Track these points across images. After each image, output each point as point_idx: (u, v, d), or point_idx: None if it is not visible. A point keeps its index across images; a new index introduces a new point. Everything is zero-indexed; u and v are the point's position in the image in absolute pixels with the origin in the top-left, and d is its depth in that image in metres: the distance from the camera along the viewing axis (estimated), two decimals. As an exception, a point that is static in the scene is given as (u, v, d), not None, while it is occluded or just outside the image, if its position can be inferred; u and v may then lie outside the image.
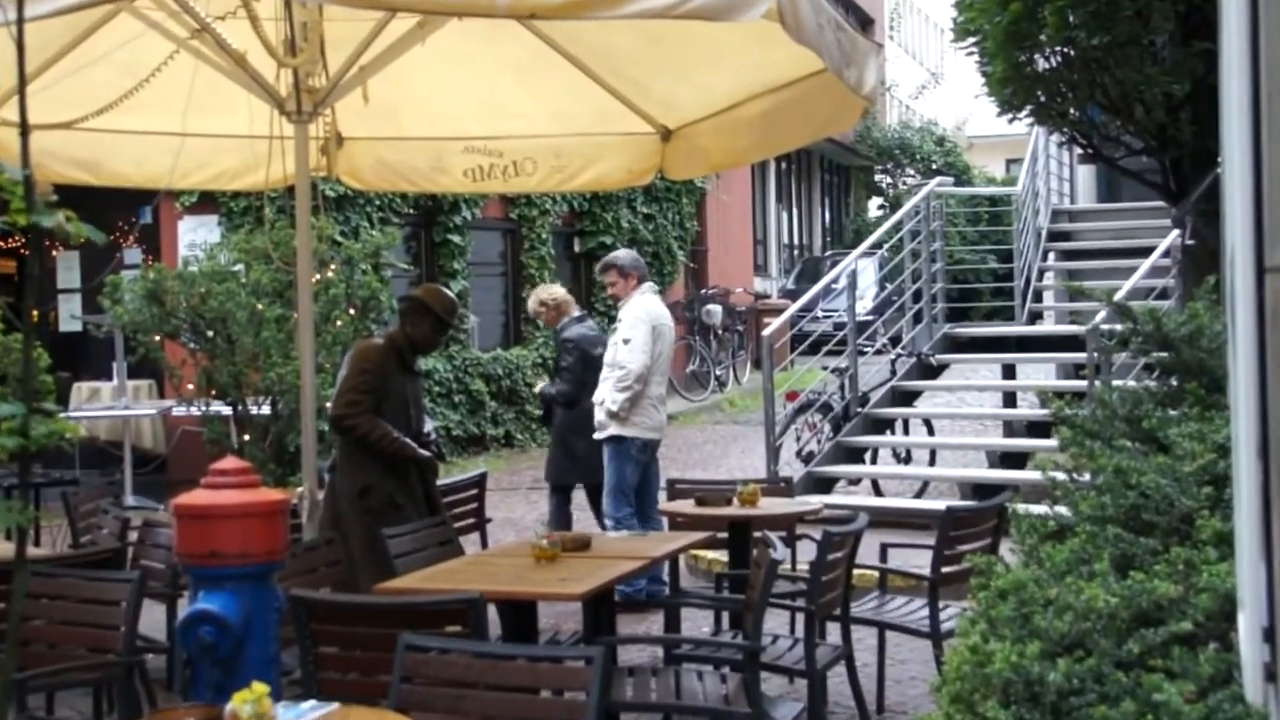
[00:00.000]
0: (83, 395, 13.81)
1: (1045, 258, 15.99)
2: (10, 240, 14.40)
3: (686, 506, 7.88)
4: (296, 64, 6.35)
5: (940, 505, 8.63)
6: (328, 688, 4.88)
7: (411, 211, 16.28)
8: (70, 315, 14.99)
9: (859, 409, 12.60)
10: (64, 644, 5.65)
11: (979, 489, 11.36)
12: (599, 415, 9.06)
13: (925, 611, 6.73)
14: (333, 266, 12.00)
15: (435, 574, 5.94)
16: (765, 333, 12.20)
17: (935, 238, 14.07)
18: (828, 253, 31.70)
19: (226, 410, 11.93)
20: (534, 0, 4.52)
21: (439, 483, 7.54)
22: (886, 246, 16.37)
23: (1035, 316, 15.76)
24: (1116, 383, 5.46)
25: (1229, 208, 2.70)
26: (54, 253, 14.71)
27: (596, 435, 9.15)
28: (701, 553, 9.78)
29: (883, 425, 12.95)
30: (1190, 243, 10.38)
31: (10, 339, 9.56)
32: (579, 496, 9.70)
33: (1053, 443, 4.76)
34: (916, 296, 13.85)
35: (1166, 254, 11.74)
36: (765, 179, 30.18)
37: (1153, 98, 9.28)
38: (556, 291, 9.84)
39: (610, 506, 9.03)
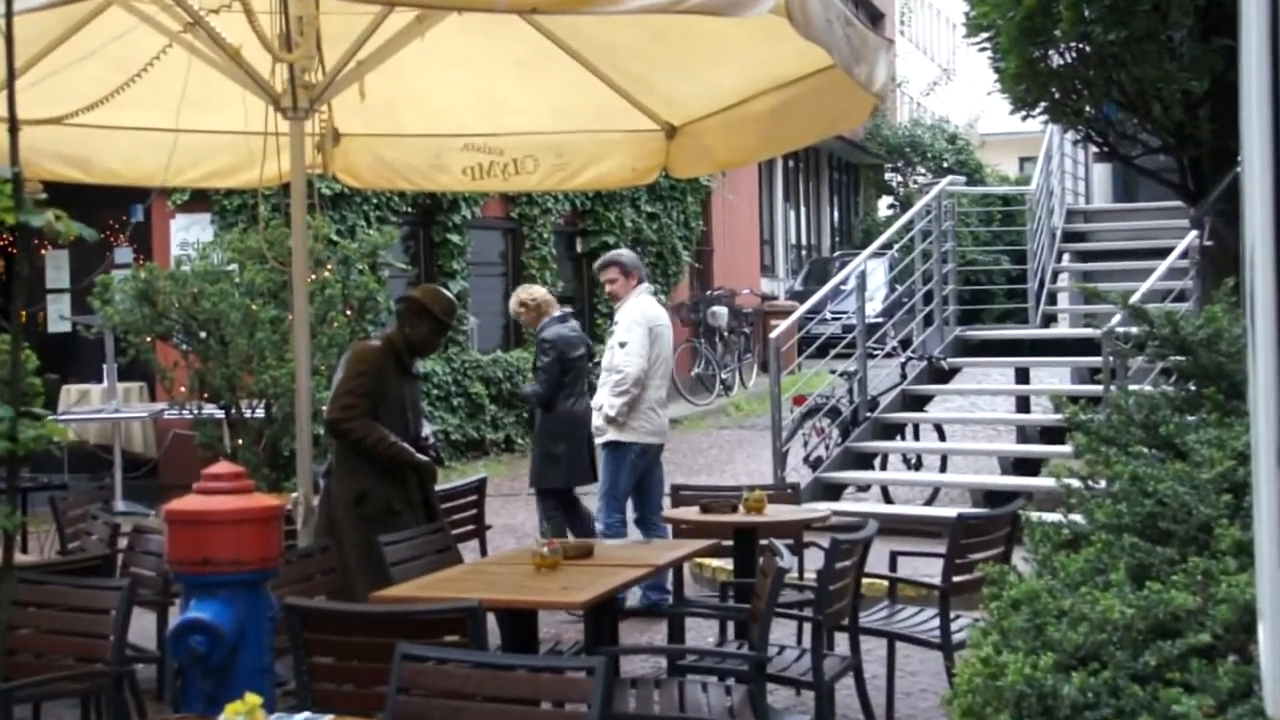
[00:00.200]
0: (72, 398, 13.82)
1: (1060, 259, 15.99)
2: (-2, 239, 14.42)
3: (691, 513, 7.87)
4: (292, 59, 6.35)
5: (951, 512, 8.62)
6: (322, 699, 4.88)
7: (410, 210, 16.28)
8: (59, 316, 15.01)
9: (868, 413, 12.60)
10: (51, 653, 5.65)
11: (991, 496, 11.35)
12: (597, 420, 9.08)
13: (936, 622, 6.73)
14: (329, 266, 12.00)
15: (433, 582, 5.94)
16: (772, 335, 12.20)
17: (947, 238, 14.07)
18: (836, 253, 31.71)
19: (219, 413, 11.93)
20: (536, -6, 4.52)
21: (437, 488, 7.54)
22: (897, 247, 16.38)
23: (1049, 319, 15.75)
24: (1133, 387, 5.46)
25: (1249, 208, 2.70)
26: (43, 252, 14.72)
27: (596, 440, 9.17)
28: (706, 561, 9.78)
29: (892, 430, 12.95)
30: (1209, 244, 10.37)
31: (-2, 340, 9.57)
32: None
33: (1067, 449, 4.76)
34: (927, 298, 13.85)
35: (1184, 255, 11.73)
36: (772, 177, 30.18)
37: (1171, 95, 9.27)
38: (536, 292, 9.87)
39: (601, 512, 9.07)
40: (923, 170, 34.14)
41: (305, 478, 6.73)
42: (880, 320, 16.31)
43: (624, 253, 9.62)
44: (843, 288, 15.30)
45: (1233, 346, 4.79)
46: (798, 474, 11.95)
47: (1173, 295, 11.51)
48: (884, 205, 37.23)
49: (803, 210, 33.35)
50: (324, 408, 7.39)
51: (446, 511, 7.74)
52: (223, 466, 5.01)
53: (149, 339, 11.88)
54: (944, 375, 13.54)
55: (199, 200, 13.98)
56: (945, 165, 32.24)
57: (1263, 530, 2.73)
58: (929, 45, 45.82)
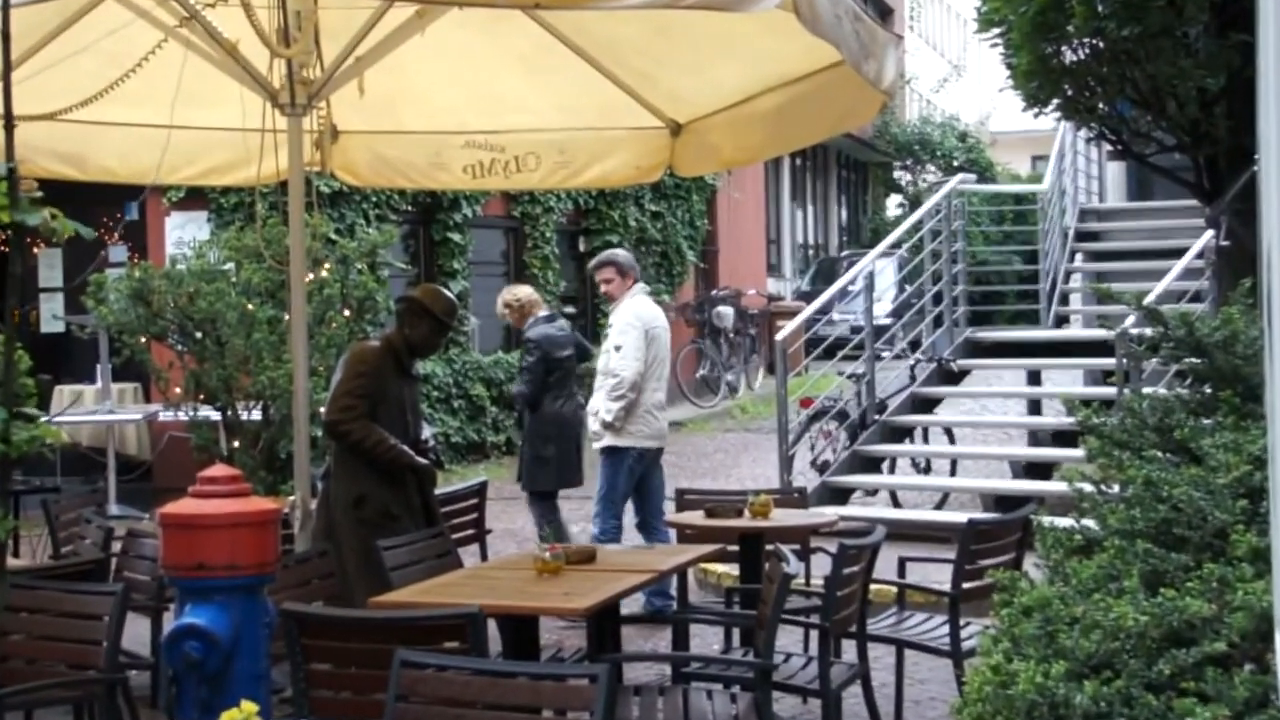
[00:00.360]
0: (65, 399, 13.82)
1: (1072, 259, 15.98)
2: (-10, 236, 14.41)
3: (695, 518, 7.88)
4: (290, 54, 6.35)
5: (962, 518, 8.62)
6: (320, 706, 4.89)
7: (409, 208, 16.29)
8: (52, 315, 15.01)
9: (876, 416, 12.59)
10: (43, 659, 5.65)
11: (1002, 501, 11.35)
12: (593, 425, 9.11)
13: (945, 629, 6.73)
14: (327, 266, 12.00)
15: (433, 587, 5.94)
16: (779, 336, 12.20)
17: (957, 238, 14.06)
18: (844, 253, 31.68)
19: (215, 415, 11.93)
20: (538, -12, 4.52)
21: (437, 492, 7.55)
22: (906, 246, 16.37)
23: (1061, 320, 15.74)
24: (1147, 390, 5.46)
25: (1266, 207, 2.70)
26: (35, 250, 14.73)
27: (594, 445, 9.19)
28: (711, 566, 9.79)
29: (901, 434, 12.94)
30: (1225, 244, 10.37)
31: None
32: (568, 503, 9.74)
33: (1080, 453, 4.75)
34: (937, 299, 13.83)
35: (1200, 255, 11.73)
36: (779, 176, 30.18)
37: (1186, 92, 9.26)
38: (520, 292, 9.90)
39: (597, 518, 9.09)
40: (932, 168, 34.14)
41: (303, 481, 6.73)
42: (889, 321, 16.30)
43: (620, 252, 9.62)
44: (850, 288, 15.25)
45: (1249, 348, 4.78)
46: (804, 478, 11.95)
47: (1188, 296, 11.50)
48: (893, 204, 37.24)
49: (810, 209, 33.35)
50: (322, 409, 7.40)
51: (446, 515, 7.74)
52: (218, 469, 5.01)
53: (144, 339, 11.88)
54: (954, 377, 13.53)
55: (195, 198, 13.98)
56: (955, 163, 32.25)
57: (1279, 536, 2.73)
58: (939, 41, 45.81)
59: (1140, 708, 3.09)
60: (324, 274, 11.84)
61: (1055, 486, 10.80)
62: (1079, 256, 16.19)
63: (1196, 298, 11.58)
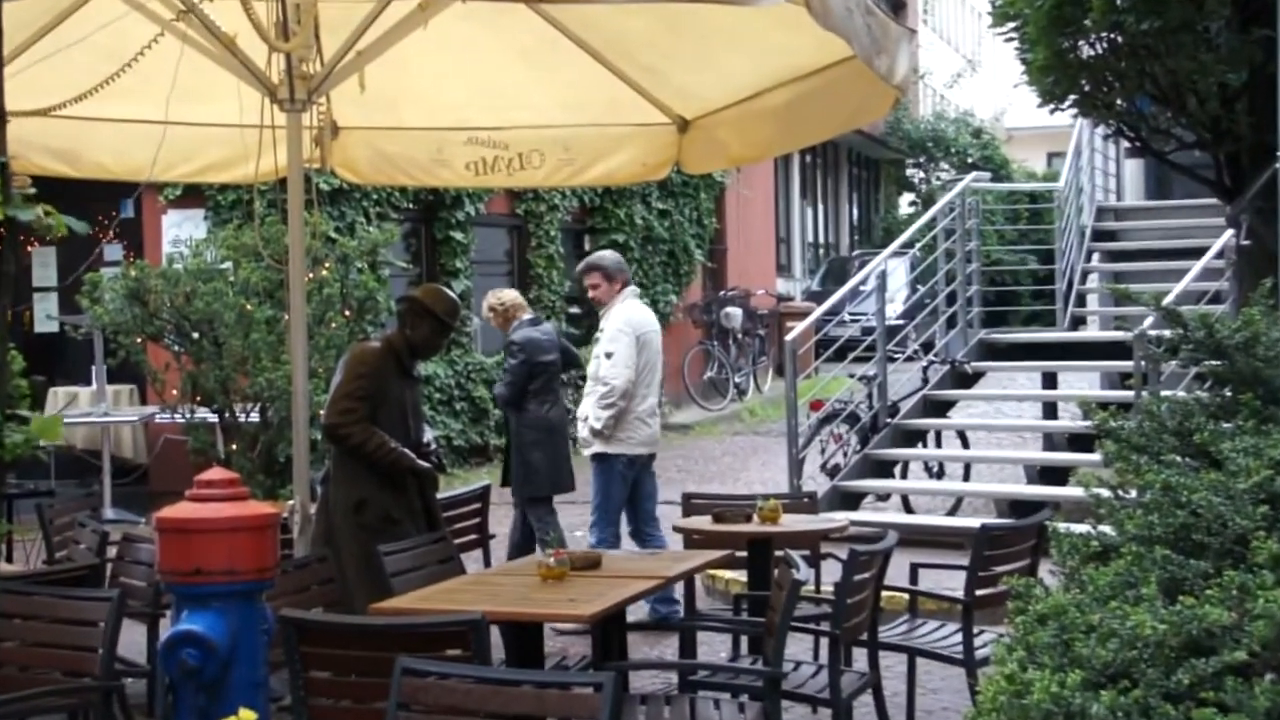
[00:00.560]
0: (59, 401, 13.84)
1: (1089, 259, 15.97)
2: (-17, 235, 14.42)
3: (703, 523, 7.88)
4: (289, 48, 6.36)
5: (975, 523, 8.61)
6: (319, 715, 4.89)
7: (411, 206, 16.30)
8: (46, 315, 15.03)
9: (888, 420, 12.59)
10: (37, 667, 5.66)
11: (1017, 506, 11.34)
12: (582, 432, 9.15)
13: (958, 637, 6.73)
14: (327, 265, 12.02)
15: (434, 593, 5.95)
16: (788, 337, 12.20)
17: (971, 237, 14.05)
18: (855, 252, 31.69)
19: (213, 418, 11.96)
20: (543, -19, 4.53)
21: (439, 496, 7.56)
22: (919, 246, 16.37)
23: (1078, 322, 15.73)
24: (1165, 393, 5.45)
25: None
26: (29, 248, 14.73)
27: (584, 452, 9.22)
28: (719, 572, 9.79)
29: (914, 437, 12.94)
30: (1246, 243, 10.35)
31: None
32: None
33: (1096, 457, 4.76)
34: (950, 299, 13.83)
35: (1220, 255, 11.70)
36: (789, 173, 30.18)
37: (1207, 87, 9.27)
38: (505, 295, 9.94)
39: (594, 527, 9.13)
40: (946, 166, 34.09)
41: (302, 485, 6.74)
42: (901, 322, 16.32)
43: (606, 255, 9.61)
44: (862, 288, 15.28)
45: (1270, 350, 4.78)
46: (814, 482, 11.95)
47: (1208, 297, 11.49)
48: (905, 202, 37.21)
49: (820, 207, 33.34)
50: (321, 412, 7.41)
51: (448, 520, 7.75)
52: (216, 473, 5.02)
53: (140, 340, 11.90)
54: (968, 380, 13.53)
55: (192, 195, 14.00)
56: (970, 161, 32.20)
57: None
58: (953, 35, 45.80)
59: (1158, 718, 3.09)
60: (324, 273, 11.86)
61: (1071, 491, 10.80)
62: (1096, 256, 16.17)
63: (1216, 299, 11.56)
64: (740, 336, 22.31)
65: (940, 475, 13.12)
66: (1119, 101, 10.08)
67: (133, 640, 6.74)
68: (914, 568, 7.62)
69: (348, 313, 12.02)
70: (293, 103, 6.52)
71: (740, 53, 6.82)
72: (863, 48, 5.25)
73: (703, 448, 17.88)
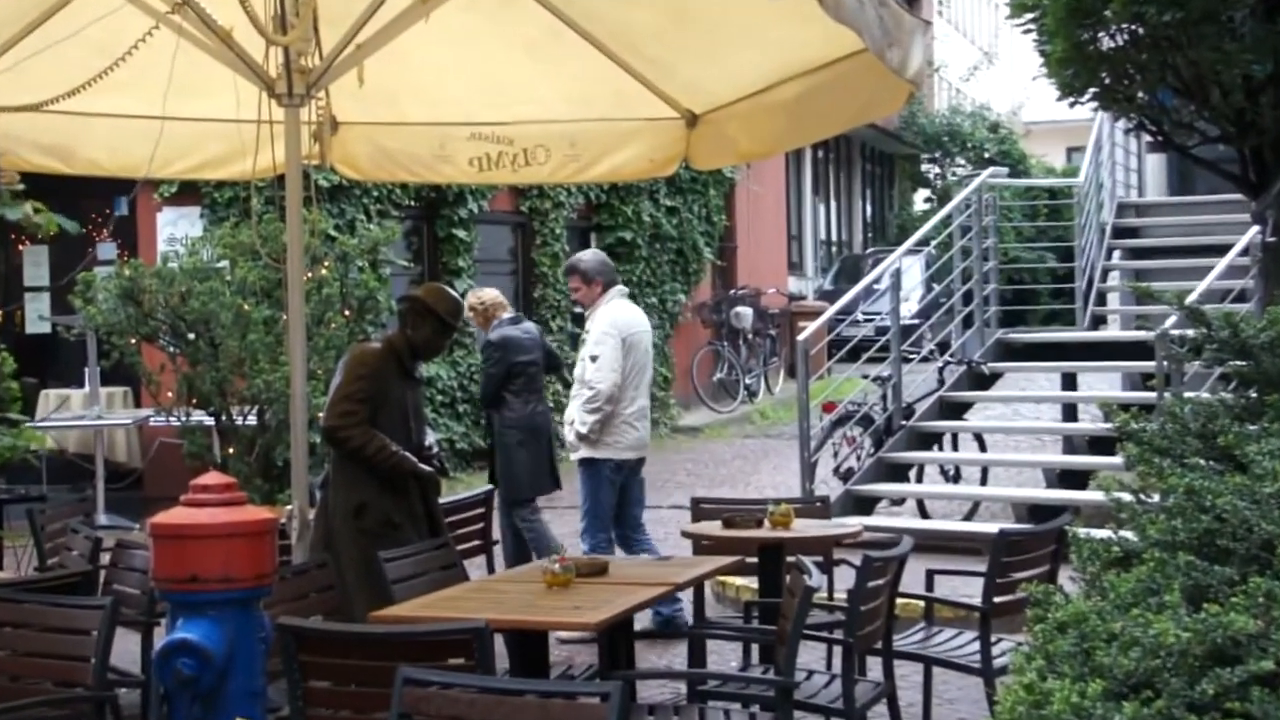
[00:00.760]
0: (51, 403, 13.86)
1: (1110, 256, 15.96)
2: (-27, 233, 14.47)
3: (713, 528, 7.87)
4: (287, 42, 6.36)
5: (993, 528, 8.61)
6: (318, 726, 4.89)
7: (412, 204, 16.31)
8: (38, 315, 15.05)
9: (903, 422, 12.59)
10: (28, 677, 5.66)
11: (1036, 511, 11.34)
12: (569, 436, 9.20)
13: (976, 646, 6.72)
14: (326, 264, 12.03)
15: (437, 601, 5.95)
16: (800, 338, 12.19)
17: (988, 234, 14.05)
18: (869, 250, 31.70)
19: (209, 420, 11.96)
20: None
21: (441, 500, 7.56)
22: (934, 243, 16.35)
23: (1098, 321, 15.72)
24: (1188, 394, 5.44)
25: (1314, 201, 2.69)
26: (20, 247, 14.77)
27: (571, 457, 9.26)
28: (729, 579, 9.79)
29: (929, 440, 12.93)
30: (1271, 240, 10.33)
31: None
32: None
33: (1117, 460, 4.75)
34: (967, 298, 13.83)
35: (1245, 252, 11.70)
36: (800, 169, 30.18)
37: (1231, 79, 9.24)
38: (485, 294, 9.99)
39: (585, 533, 9.18)
40: (962, 161, 34.08)
41: (300, 489, 6.75)
42: (916, 322, 16.31)
43: (585, 256, 9.63)
44: (876, 287, 15.28)
45: (1296, 350, 4.77)
46: (827, 486, 11.95)
47: (1232, 295, 11.49)
48: (920, 199, 37.20)
49: (833, 204, 33.34)
50: (320, 414, 7.41)
51: (451, 525, 7.75)
52: (212, 477, 5.02)
53: (134, 341, 11.91)
54: (985, 381, 13.52)
55: (187, 193, 14.01)
56: (986, 156, 32.19)
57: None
58: (969, 27, 45.79)
59: (1182, 729, 3.08)
60: (323, 272, 11.88)
61: (1091, 496, 10.79)
62: (1117, 254, 16.16)
63: (1241, 297, 11.56)
64: (751, 337, 22.31)
65: (957, 479, 13.11)
66: (1140, 94, 10.05)
67: (126, 649, 6.74)
68: (930, 574, 7.61)
69: (347, 313, 12.03)
70: (291, 97, 6.53)
71: (749, 45, 6.81)
72: (874, 40, 5.24)
73: (712, 451, 17.88)
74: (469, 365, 16.61)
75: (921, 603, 7.53)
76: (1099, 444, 12.21)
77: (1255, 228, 11.22)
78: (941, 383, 13.20)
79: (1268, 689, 3.15)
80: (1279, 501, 3.89)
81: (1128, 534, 4.18)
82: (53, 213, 8.68)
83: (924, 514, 12.42)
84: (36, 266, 15.11)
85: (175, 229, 14.10)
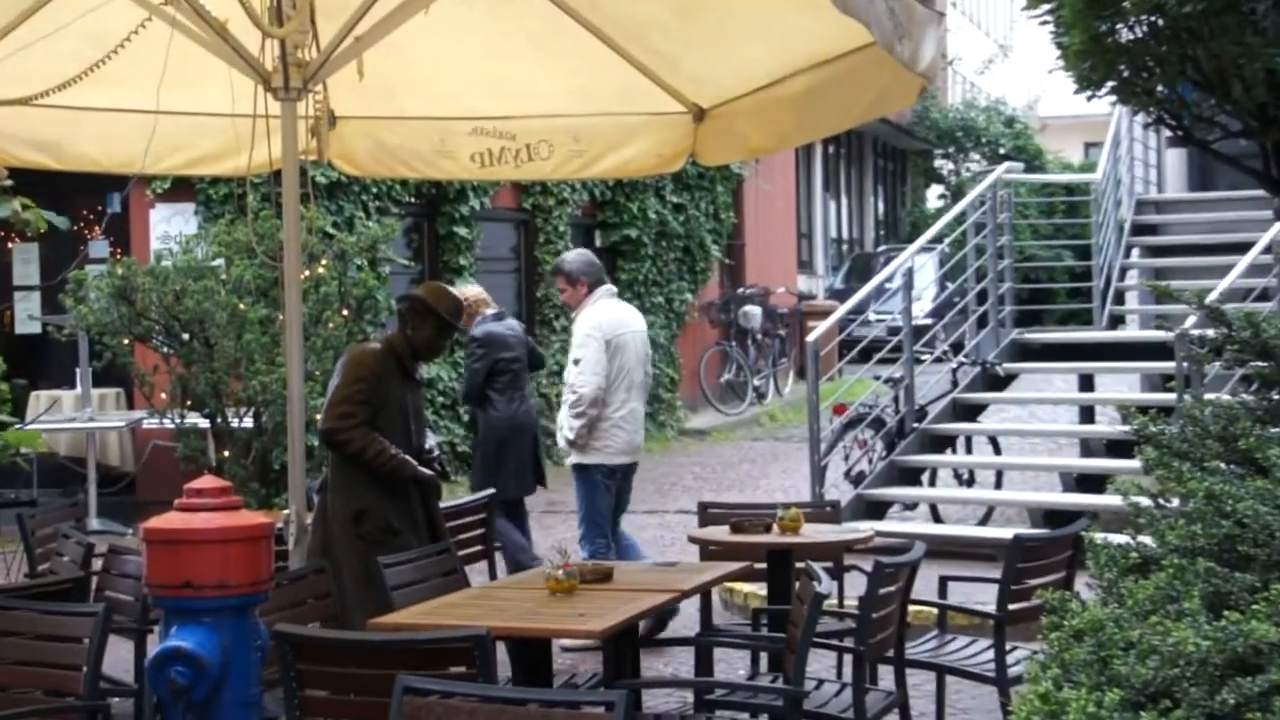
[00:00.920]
0: (41, 405, 13.85)
1: (1128, 254, 15.95)
2: (-38, 231, 14.48)
3: (720, 533, 7.87)
4: (283, 34, 6.36)
5: (1008, 533, 8.60)
6: (315, 736, 4.89)
7: (412, 200, 16.31)
8: (28, 315, 15.04)
9: (915, 424, 12.58)
10: (17, 686, 5.66)
11: (1051, 516, 11.33)
12: (560, 442, 9.22)
13: (990, 654, 6.72)
14: (324, 262, 12.03)
15: (437, 608, 5.95)
16: (810, 338, 12.19)
17: (1003, 231, 14.04)
18: (881, 248, 31.70)
19: (204, 423, 11.96)
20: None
21: (442, 505, 7.56)
22: (947, 241, 16.36)
23: (1116, 321, 15.72)
24: (1209, 396, 5.44)
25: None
26: (9, 245, 14.78)
27: (564, 462, 9.29)
28: (737, 585, 9.79)
29: (942, 443, 12.93)
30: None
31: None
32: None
33: (1136, 464, 4.74)
34: (981, 298, 13.82)
35: (1267, 250, 11.69)
36: (811, 165, 30.18)
37: (1253, 72, 9.25)
38: (468, 291, 10.05)
39: (584, 539, 9.20)
40: (976, 157, 34.10)
41: (297, 493, 6.75)
42: (929, 322, 16.28)
43: (569, 257, 9.64)
44: (888, 286, 15.27)
45: (1320, 351, 4.77)
46: (838, 490, 11.93)
47: (1254, 295, 11.47)
48: (934, 195, 37.20)
49: (844, 201, 33.34)
50: (318, 416, 7.41)
51: (452, 530, 7.75)
52: (207, 481, 5.03)
53: (126, 341, 11.91)
54: (999, 382, 13.51)
55: (181, 189, 14.02)
56: (1002, 151, 32.21)
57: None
58: (984, 19, 45.77)
59: (1201, 740, 3.08)
60: (320, 271, 11.87)
61: (1109, 500, 10.78)
62: (1135, 252, 16.15)
63: (1264, 296, 11.55)
64: (759, 337, 22.30)
65: (971, 483, 13.11)
66: (1160, 87, 10.07)
67: (119, 658, 6.76)
68: (943, 581, 7.61)
69: (346, 312, 12.02)
70: (287, 91, 6.53)
71: (757, 38, 6.81)
72: (884, 33, 5.24)
73: (720, 454, 17.88)
74: (470, 366, 16.62)
75: (934, 610, 7.53)
76: (1117, 447, 12.19)
77: (1277, 224, 11.23)
78: (955, 384, 13.19)
79: (1290, 699, 3.15)
80: (1301, 506, 3.89)
81: (1146, 540, 4.18)
82: (42, 209, 8.71)
83: (937, 519, 12.41)
84: (26, 265, 15.11)
85: (169, 226, 14.09)
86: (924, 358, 13.56)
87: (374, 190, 15.26)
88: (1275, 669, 3.21)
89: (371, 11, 6.33)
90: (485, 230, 17.45)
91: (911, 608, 6.61)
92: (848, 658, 6.58)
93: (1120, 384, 15.17)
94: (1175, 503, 4.37)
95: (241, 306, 11.59)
